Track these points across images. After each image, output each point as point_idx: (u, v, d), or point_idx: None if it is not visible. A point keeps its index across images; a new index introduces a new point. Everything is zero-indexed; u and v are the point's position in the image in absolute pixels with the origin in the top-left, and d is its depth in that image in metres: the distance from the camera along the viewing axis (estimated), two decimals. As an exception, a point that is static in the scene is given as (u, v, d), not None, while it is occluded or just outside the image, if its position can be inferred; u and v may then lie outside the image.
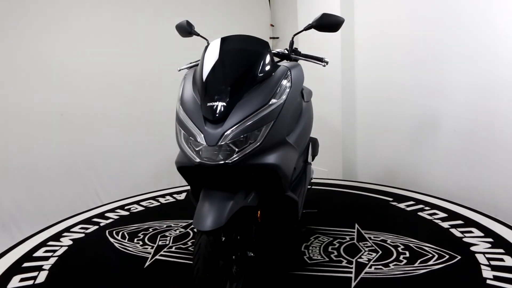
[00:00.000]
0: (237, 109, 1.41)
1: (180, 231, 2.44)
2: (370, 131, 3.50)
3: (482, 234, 2.13)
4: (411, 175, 3.17)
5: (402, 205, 2.70)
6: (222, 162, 1.37)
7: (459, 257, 1.88)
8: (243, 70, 1.51)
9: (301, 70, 1.71)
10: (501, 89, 2.45)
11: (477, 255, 1.89)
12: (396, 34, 3.14)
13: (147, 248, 2.19)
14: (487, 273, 1.72)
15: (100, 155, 3.53)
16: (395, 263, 1.88)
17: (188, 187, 1.86)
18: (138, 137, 3.74)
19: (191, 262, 1.36)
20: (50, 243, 2.31)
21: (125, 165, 3.67)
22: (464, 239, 2.09)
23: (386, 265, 1.86)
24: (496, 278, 1.67)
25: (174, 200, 3.14)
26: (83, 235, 2.43)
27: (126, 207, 2.97)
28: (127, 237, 2.37)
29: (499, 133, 2.49)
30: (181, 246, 2.21)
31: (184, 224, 2.56)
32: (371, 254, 1.98)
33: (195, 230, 2.25)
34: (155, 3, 3.71)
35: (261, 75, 1.52)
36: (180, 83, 1.69)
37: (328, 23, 1.77)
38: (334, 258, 1.97)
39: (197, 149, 1.42)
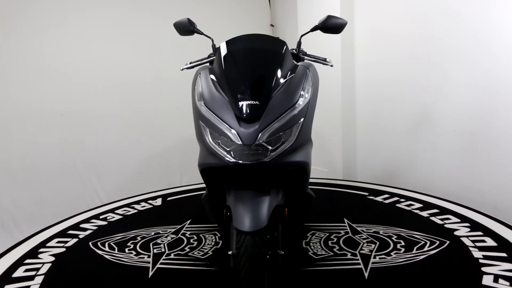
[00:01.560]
0: (270, 108, 1.42)
1: (172, 237, 2.34)
2: (370, 131, 3.51)
3: (458, 220, 2.36)
4: (411, 175, 3.19)
5: (379, 199, 2.88)
6: (260, 160, 1.36)
7: (448, 242, 2.07)
8: (269, 69, 1.51)
9: (316, 69, 1.76)
10: (501, 89, 2.45)
11: (462, 239, 2.09)
12: (396, 34, 3.14)
13: (143, 258, 2.08)
14: (476, 253, 1.92)
15: (100, 155, 3.51)
16: (395, 252, 2.01)
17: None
18: (138, 137, 3.74)
19: (227, 264, 1.33)
20: (28, 261, 2.08)
21: (125, 165, 3.66)
22: (446, 225, 2.30)
23: (388, 255, 1.98)
24: (485, 257, 1.87)
25: (151, 206, 3.00)
26: (63, 249, 2.22)
27: (101, 217, 2.77)
28: (116, 247, 2.22)
29: (499, 133, 2.50)
30: (179, 252, 2.13)
31: (172, 230, 2.47)
32: (371, 246, 2.10)
33: (212, 232, 2.21)
34: (154, 3, 3.72)
35: (285, 74, 1.54)
36: (194, 82, 1.64)
37: (332, 25, 1.84)
38: (338, 252, 2.04)
39: (228, 148, 1.39)
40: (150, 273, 1.90)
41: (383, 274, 1.79)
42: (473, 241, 2.06)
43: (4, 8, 2.99)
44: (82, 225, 2.60)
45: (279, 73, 1.52)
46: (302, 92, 1.50)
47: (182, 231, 2.44)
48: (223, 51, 1.61)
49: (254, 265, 1.28)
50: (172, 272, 1.92)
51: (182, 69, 1.92)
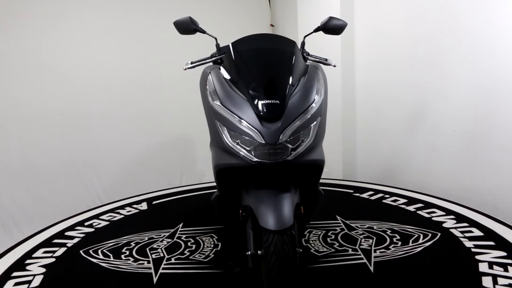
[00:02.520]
0: (289, 107, 1.43)
1: (168, 242, 2.28)
2: (370, 131, 3.50)
3: (444, 213, 2.50)
4: (411, 175, 3.19)
5: (364, 195, 2.98)
6: (283, 159, 1.37)
7: (439, 234, 2.19)
8: (284, 69, 1.52)
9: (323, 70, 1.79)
10: (501, 89, 2.44)
11: (451, 230, 2.22)
12: (396, 34, 3.15)
13: (143, 264, 2.01)
14: (467, 243, 2.05)
15: (100, 155, 3.50)
16: (393, 245, 2.09)
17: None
18: (138, 137, 3.74)
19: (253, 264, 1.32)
20: (16, 273, 1.94)
21: (125, 165, 3.65)
22: (433, 218, 2.43)
23: (387, 248, 2.06)
24: (476, 246, 2.00)
25: (137, 210, 2.90)
26: (52, 259, 2.09)
27: (86, 223, 2.64)
28: (111, 254, 2.13)
29: (499, 133, 2.49)
30: (179, 256, 2.08)
31: (166, 234, 2.40)
32: (368, 241, 2.16)
33: (208, 235, 2.17)
34: (154, 3, 3.72)
35: (299, 73, 1.55)
36: (205, 81, 1.61)
37: (334, 26, 1.88)
38: (339, 248, 2.09)
39: (249, 148, 1.38)
40: (155, 279, 1.84)
41: (387, 267, 1.85)
42: (462, 232, 2.19)
43: (4, 8, 3.00)
44: (68, 233, 2.46)
45: (294, 72, 1.53)
46: (316, 92, 1.53)
47: (176, 235, 2.38)
48: (235, 50, 1.60)
49: (284, 263, 1.29)
50: (177, 277, 1.87)
51: (186, 69, 1.88)
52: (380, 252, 2.02)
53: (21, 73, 3.12)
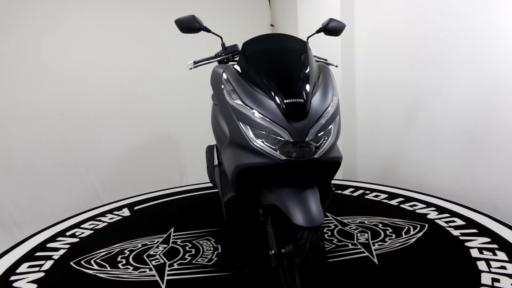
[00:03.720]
0: (313, 106, 1.45)
1: (164, 247, 2.20)
2: (370, 131, 3.48)
3: (425, 206, 2.66)
4: (411, 175, 3.19)
5: (346, 192, 3.09)
6: (311, 157, 1.39)
7: (427, 225, 2.33)
8: (302, 68, 1.54)
9: None
10: (501, 89, 2.44)
11: (436, 221, 2.38)
12: (396, 34, 3.13)
13: (145, 271, 1.92)
14: (454, 232, 2.21)
15: (100, 155, 3.49)
16: (388, 238, 2.19)
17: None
18: (138, 137, 3.73)
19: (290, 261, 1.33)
20: (3, 291, 1.76)
21: (125, 165, 3.63)
22: (417, 211, 2.58)
23: (384, 241, 2.15)
24: (462, 234, 2.16)
25: (120, 217, 2.76)
26: (41, 273, 1.93)
27: (67, 233, 2.46)
28: (107, 264, 2.01)
29: (499, 133, 2.49)
30: (182, 262, 2.02)
31: (160, 239, 2.32)
32: (364, 235, 2.25)
33: (205, 238, 2.13)
34: (154, 3, 3.70)
35: (315, 73, 1.58)
36: (219, 81, 1.58)
37: (334, 28, 1.93)
38: (339, 244, 2.15)
39: (275, 146, 1.39)
40: (163, 286, 1.77)
41: (389, 259, 1.94)
42: (446, 222, 2.35)
43: (4, 8, 2.98)
44: (50, 245, 2.28)
45: (311, 72, 1.56)
46: (333, 91, 1.57)
47: (171, 240, 2.31)
48: (250, 50, 1.59)
49: (321, 259, 1.31)
50: (186, 282, 1.81)
51: (191, 68, 1.83)
52: (378, 245, 2.11)
53: (21, 73, 3.10)
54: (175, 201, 3.14)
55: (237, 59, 1.86)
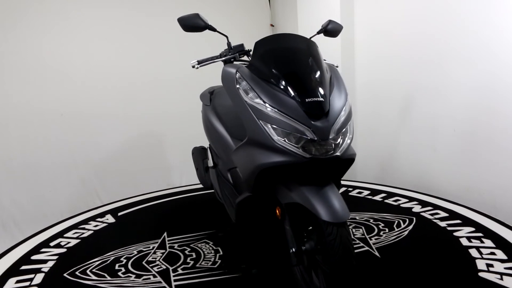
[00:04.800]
0: (332, 105, 1.48)
1: (162, 253, 2.13)
2: (370, 131, 3.46)
3: (407, 200, 2.81)
4: (411, 175, 3.19)
5: (330, 190, 3.17)
6: (334, 154, 1.41)
7: (414, 218, 2.46)
8: (317, 68, 1.57)
9: None
10: (501, 89, 2.44)
11: (422, 214, 2.52)
12: (396, 34, 3.12)
13: (149, 278, 1.85)
14: (441, 223, 2.35)
15: (100, 155, 3.49)
16: (382, 232, 2.28)
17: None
18: (138, 137, 3.71)
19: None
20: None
21: (125, 165, 3.62)
22: (401, 205, 2.71)
23: (379, 235, 2.24)
24: (449, 225, 2.31)
25: (105, 224, 2.63)
26: (34, 288, 1.79)
27: (51, 244, 2.30)
28: (105, 273, 1.91)
29: (499, 133, 2.48)
30: (185, 266, 1.97)
31: (155, 245, 2.24)
32: (359, 230, 2.33)
33: (202, 241, 2.11)
34: (154, 3, 3.70)
35: (328, 73, 1.62)
36: (234, 81, 1.57)
37: (333, 29, 1.99)
38: (338, 240, 2.21)
39: (298, 145, 1.40)
40: (173, 292, 1.72)
41: (389, 252, 2.03)
42: (431, 215, 2.50)
43: (4, 8, 2.98)
44: (35, 257, 2.12)
45: (324, 71, 1.59)
46: (345, 90, 1.61)
47: (167, 245, 2.24)
48: (264, 49, 1.59)
49: (351, 254, 1.34)
50: (195, 287, 1.77)
51: (197, 68, 1.79)
52: (375, 239, 2.19)
53: (21, 73, 3.09)
54: (160, 205, 3.05)
55: (243, 58, 1.85)
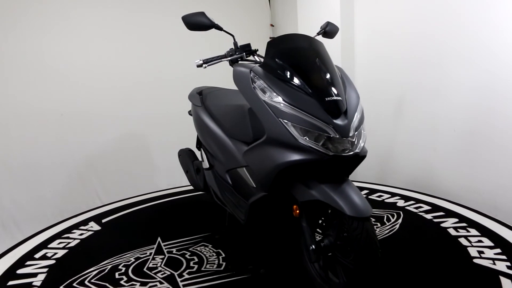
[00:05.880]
0: (348, 103, 1.52)
1: (161, 258, 2.06)
2: (370, 131, 3.24)
3: (390, 195, 2.94)
4: (411, 175, 3.19)
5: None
6: (354, 152, 1.46)
7: (401, 212, 2.58)
8: (331, 67, 1.60)
9: None
10: (501, 89, 2.44)
11: (407, 208, 2.65)
12: (396, 34, 3.12)
13: (155, 285, 1.78)
14: (427, 216, 2.48)
15: (100, 155, 3.48)
16: (375, 227, 2.37)
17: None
18: (138, 137, 3.70)
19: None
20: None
21: (125, 165, 3.61)
22: (386, 201, 2.83)
23: (373, 230, 2.33)
24: (434, 217, 2.45)
25: (91, 232, 2.49)
26: (29, 303, 1.66)
27: (36, 255, 2.14)
28: (106, 283, 1.81)
29: (499, 133, 2.49)
30: (190, 271, 1.92)
31: (152, 251, 2.16)
32: (353, 226, 2.40)
33: (200, 244, 2.16)
34: (154, 3, 3.68)
35: (338, 73, 1.66)
36: (246, 79, 1.56)
37: (331, 30, 2.04)
38: (335, 236, 2.26)
39: (320, 143, 1.43)
40: (185, 298, 1.67)
41: (387, 245, 2.11)
42: (415, 208, 2.64)
43: (4, 8, 2.98)
44: (21, 271, 1.96)
45: (336, 71, 1.63)
46: (356, 90, 1.66)
47: (165, 250, 2.17)
48: (279, 49, 1.59)
49: (377, 247, 1.38)
50: (207, 291, 1.73)
51: (205, 67, 1.76)
52: (370, 233, 2.27)
53: (21, 73, 3.08)
54: (145, 209, 2.94)
55: (249, 58, 1.85)
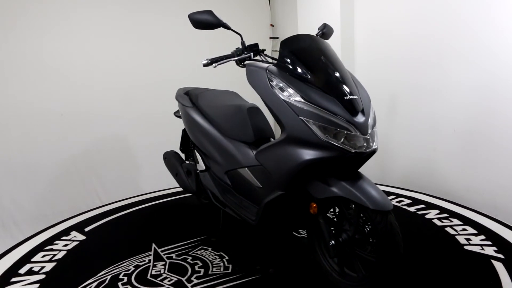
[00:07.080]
0: (363, 102, 1.58)
1: (163, 264, 1.99)
2: None
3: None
4: (410, 175, 3.19)
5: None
6: (373, 148, 1.51)
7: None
8: (344, 68, 1.65)
9: None
10: (501, 89, 2.44)
11: (393, 202, 2.78)
12: (396, 34, 3.12)
13: (165, 293, 1.71)
14: (410, 209, 2.63)
15: (100, 155, 3.49)
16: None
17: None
18: (138, 137, 3.71)
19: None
20: None
21: (125, 165, 3.63)
22: (369, 196, 2.95)
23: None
24: (417, 210, 2.60)
25: (76, 242, 2.33)
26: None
27: (21, 271, 1.96)
28: (111, 294, 1.71)
29: (499, 133, 2.49)
30: (198, 275, 1.87)
31: (149, 257, 2.07)
32: (345, 221, 2.48)
33: (199, 248, 2.21)
34: (154, 3, 3.70)
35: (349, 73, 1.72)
36: (263, 78, 1.57)
37: (328, 32, 2.10)
38: (332, 232, 2.32)
39: (341, 140, 1.46)
40: (202, 303, 1.62)
41: (382, 238, 2.21)
42: (397, 202, 2.78)
43: (4, 8, 2.99)
44: (10, 288, 1.78)
45: (348, 72, 1.68)
46: (365, 89, 1.73)
47: (164, 256, 2.09)
48: (293, 49, 1.60)
49: (400, 239, 1.44)
50: (221, 294, 1.70)
51: (215, 66, 1.72)
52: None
53: (21, 73, 3.09)
54: (129, 215, 2.81)
55: (257, 58, 1.84)
